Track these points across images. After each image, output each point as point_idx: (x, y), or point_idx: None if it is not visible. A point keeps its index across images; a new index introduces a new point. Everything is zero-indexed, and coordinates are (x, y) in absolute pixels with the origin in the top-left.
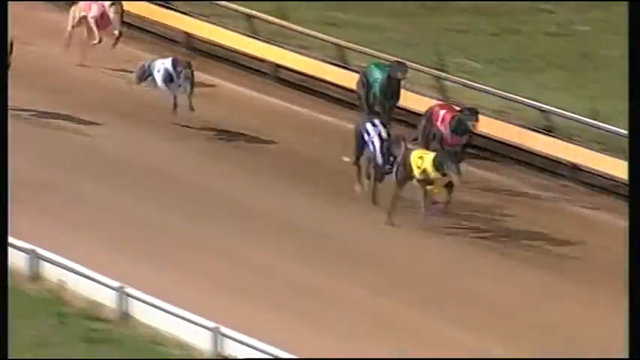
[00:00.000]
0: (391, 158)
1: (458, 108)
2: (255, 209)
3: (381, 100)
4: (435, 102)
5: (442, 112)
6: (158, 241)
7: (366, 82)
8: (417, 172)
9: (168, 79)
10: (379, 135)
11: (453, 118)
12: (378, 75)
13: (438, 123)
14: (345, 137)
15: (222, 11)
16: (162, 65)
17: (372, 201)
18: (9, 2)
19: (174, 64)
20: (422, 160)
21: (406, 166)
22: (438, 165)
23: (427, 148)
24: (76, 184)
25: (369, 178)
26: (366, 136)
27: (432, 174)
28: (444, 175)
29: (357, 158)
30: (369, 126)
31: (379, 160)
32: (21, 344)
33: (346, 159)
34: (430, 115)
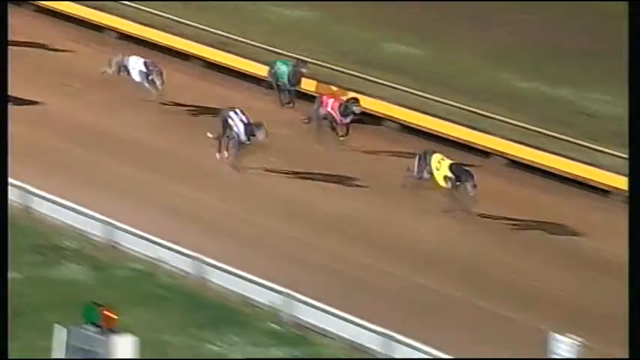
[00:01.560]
0: (252, 137)
1: (344, 97)
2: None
3: (288, 87)
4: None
5: (330, 101)
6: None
7: (274, 73)
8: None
9: (144, 75)
10: (241, 120)
11: (340, 104)
12: (284, 68)
13: (328, 108)
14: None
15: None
16: (136, 63)
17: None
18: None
19: (146, 64)
20: (440, 164)
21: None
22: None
23: (318, 126)
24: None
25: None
26: (230, 121)
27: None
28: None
29: (221, 136)
30: (232, 114)
31: (242, 137)
32: None
33: (210, 135)
34: (320, 101)
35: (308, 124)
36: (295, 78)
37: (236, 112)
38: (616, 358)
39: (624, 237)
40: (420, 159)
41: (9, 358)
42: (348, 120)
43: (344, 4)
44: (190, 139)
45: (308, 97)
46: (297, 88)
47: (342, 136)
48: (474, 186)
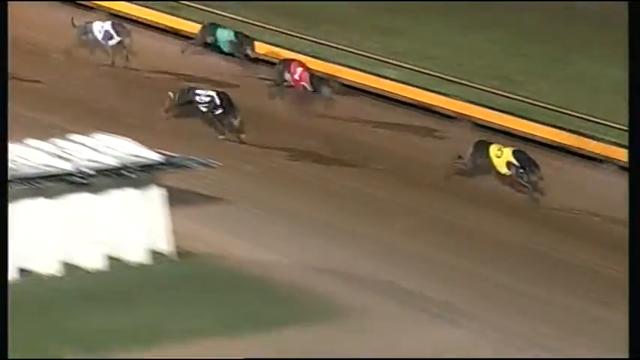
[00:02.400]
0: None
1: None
2: None
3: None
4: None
5: (299, 70)
6: None
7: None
8: (499, 166)
9: (108, 37)
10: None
11: (312, 76)
12: (225, 35)
13: (296, 76)
14: None
15: None
16: (101, 27)
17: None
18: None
19: (114, 26)
20: (501, 152)
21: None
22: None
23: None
24: None
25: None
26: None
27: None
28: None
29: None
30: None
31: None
32: None
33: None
34: (287, 66)
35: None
36: (240, 48)
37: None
38: (616, 358)
39: None
40: (475, 148)
41: (9, 358)
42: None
43: None
44: None
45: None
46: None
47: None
48: (541, 178)
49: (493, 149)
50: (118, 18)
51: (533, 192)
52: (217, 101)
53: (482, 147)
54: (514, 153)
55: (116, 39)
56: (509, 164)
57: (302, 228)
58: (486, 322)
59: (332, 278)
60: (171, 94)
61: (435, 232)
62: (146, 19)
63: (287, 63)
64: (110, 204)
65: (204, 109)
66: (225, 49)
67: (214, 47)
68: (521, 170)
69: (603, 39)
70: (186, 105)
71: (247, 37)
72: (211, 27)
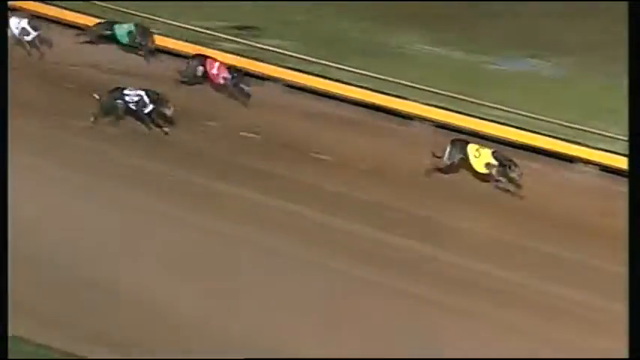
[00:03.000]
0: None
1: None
2: None
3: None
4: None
5: (216, 64)
6: None
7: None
8: (477, 166)
9: (25, 33)
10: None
11: (230, 69)
12: (125, 27)
13: (214, 71)
14: None
15: None
16: (17, 23)
17: None
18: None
19: (30, 22)
20: (479, 153)
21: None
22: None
23: (191, 84)
24: None
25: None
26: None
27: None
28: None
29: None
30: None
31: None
32: None
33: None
34: (203, 60)
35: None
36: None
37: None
38: (616, 358)
39: None
40: (452, 147)
41: (9, 358)
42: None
43: None
44: None
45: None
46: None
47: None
48: (520, 175)
49: (471, 149)
50: (36, 18)
51: (515, 188)
52: (146, 99)
53: (460, 146)
54: (493, 154)
55: (33, 34)
56: (488, 165)
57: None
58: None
59: None
60: (96, 95)
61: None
62: (62, 19)
63: (203, 58)
64: None
65: (133, 108)
66: (124, 40)
67: (112, 39)
68: (501, 169)
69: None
70: (113, 107)
71: (145, 28)
72: (108, 22)
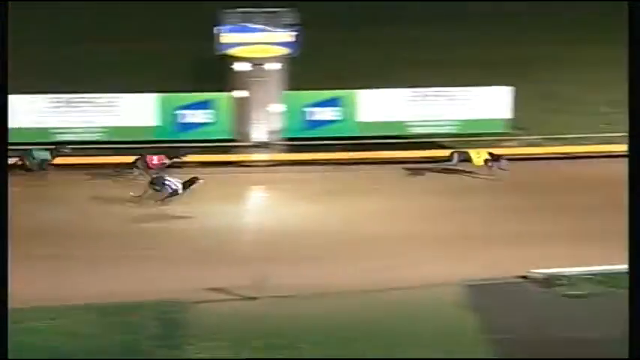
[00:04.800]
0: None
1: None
2: None
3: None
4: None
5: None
6: None
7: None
8: (477, 162)
9: None
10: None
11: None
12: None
13: (155, 162)
14: None
15: None
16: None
17: None
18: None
19: None
20: (479, 154)
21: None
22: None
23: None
24: None
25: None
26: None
27: None
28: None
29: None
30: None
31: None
32: None
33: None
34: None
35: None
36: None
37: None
38: (616, 358)
39: None
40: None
41: (9, 358)
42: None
43: None
44: None
45: None
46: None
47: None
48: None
49: (473, 152)
50: None
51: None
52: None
53: (462, 153)
54: (489, 153)
55: None
56: (485, 160)
57: None
58: None
59: None
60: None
61: None
62: None
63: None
64: None
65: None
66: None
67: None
68: (495, 162)
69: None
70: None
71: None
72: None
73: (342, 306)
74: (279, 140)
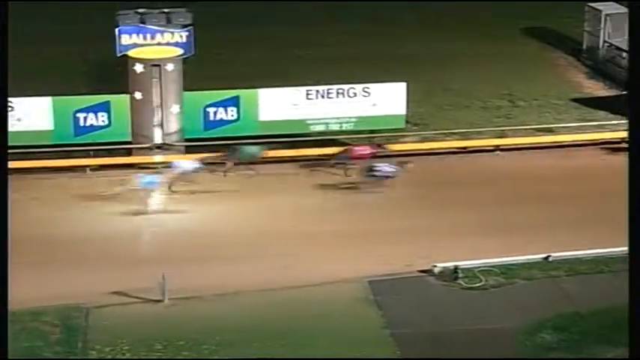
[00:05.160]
0: None
1: None
2: None
3: None
4: None
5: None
6: None
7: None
8: None
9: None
10: None
11: None
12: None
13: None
14: None
15: None
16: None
17: None
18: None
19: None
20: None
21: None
22: None
23: None
24: None
25: None
26: None
27: None
28: None
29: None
30: None
31: None
32: None
33: None
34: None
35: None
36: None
37: None
38: (615, 358)
39: None
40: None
41: (9, 358)
42: None
43: None
44: None
45: None
46: None
47: None
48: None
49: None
50: None
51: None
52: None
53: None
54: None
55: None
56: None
57: None
58: None
59: None
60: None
61: None
62: None
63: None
64: None
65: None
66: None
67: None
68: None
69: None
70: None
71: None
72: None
73: (245, 306)
74: (179, 141)
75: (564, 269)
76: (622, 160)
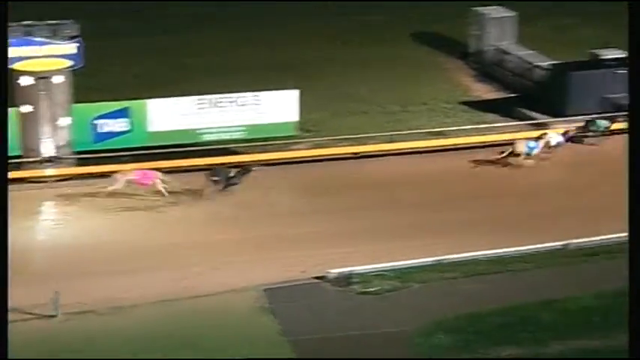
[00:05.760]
0: None
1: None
2: None
3: None
4: None
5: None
6: None
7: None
8: None
9: None
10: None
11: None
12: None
13: None
14: None
15: None
16: None
17: None
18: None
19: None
20: None
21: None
22: None
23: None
24: None
25: None
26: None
27: None
28: None
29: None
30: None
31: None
32: None
33: None
34: None
35: None
36: None
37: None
38: (617, 358)
39: None
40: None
41: (9, 358)
42: None
43: None
44: None
45: None
46: None
47: None
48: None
49: None
50: None
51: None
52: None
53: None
54: None
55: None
56: None
57: None
58: None
59: None
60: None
61: None
62: None
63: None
64: None
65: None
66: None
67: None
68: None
69: None
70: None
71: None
72: None
73: (140, 318)
74: (69, 154)
75: (461, 271)
76: (514, 161)
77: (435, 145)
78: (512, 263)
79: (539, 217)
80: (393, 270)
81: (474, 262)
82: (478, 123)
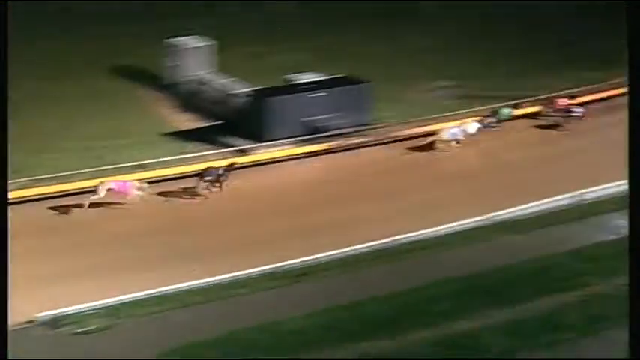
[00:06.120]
0: None
1: None
2: None
3: None
4: None
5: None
6: None
7: None
8: None
9: None
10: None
11: None
12: None
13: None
14: None
15: None
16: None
17: None
18: None
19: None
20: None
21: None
22: None
23: None
24: None
25: None
26: None
27: None
28: None
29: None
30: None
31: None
32: None
33: None
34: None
35: None
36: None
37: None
38: (617, 358)
39: None
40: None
41: (9, 358)
42: None
43: None
44: None
45: None
46: None
47: None
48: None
49: None
50: None
51: None
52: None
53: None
54: None
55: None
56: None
57: None
58: None
59: None
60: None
61: None
62: None
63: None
64: None
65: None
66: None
67: None
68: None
69: None
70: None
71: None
72: None
73: None
74: None
75: (175, 302)
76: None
77: (137, 178)
78: (254, 284)
79: (245, 242)
80: (105, 307)
81: (189, 293)
82: (182, 153)
